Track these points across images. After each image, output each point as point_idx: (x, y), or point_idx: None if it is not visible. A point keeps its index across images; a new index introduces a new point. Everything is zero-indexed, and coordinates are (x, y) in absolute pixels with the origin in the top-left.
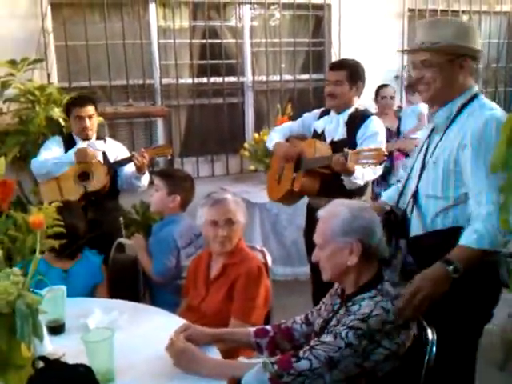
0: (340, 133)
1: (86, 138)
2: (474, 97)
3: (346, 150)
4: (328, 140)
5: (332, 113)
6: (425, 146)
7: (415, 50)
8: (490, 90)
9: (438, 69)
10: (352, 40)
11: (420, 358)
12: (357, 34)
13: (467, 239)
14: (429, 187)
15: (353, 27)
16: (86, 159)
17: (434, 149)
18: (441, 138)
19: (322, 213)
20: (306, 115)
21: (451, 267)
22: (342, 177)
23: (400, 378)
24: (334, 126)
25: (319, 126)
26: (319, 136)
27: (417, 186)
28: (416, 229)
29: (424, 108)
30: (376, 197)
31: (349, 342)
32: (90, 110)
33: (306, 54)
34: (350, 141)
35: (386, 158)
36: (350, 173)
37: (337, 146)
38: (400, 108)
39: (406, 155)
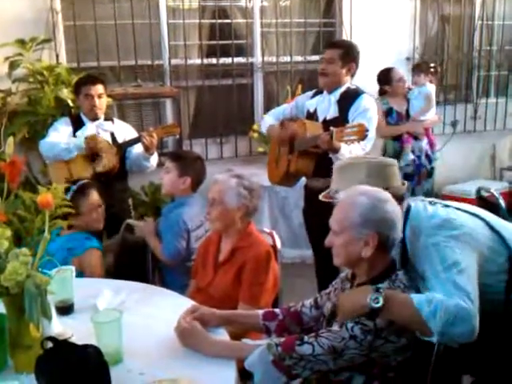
0: (332, 111)
1: (95, 118)
2: (407, 214)
3: (331, 128)
4: (320, 119)
5: (324, 92)
6: None
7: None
8: (503, 72)
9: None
10: (363, 20)
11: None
12: (368, 14)
13: (417, 295)
14: None
15: (364, 7)
16: (96, 146)
17: None
18: None
19: (341, 198)
20: (300, 97)
21: (372, 296)
22: (330, 155)
23: (414, 366)
24: (326, 105)
25: (311, 105)
26: (312, 115)
27: None
28: None
29: (431, 88)
30: None
31: (353, 335)
32: (100, 88)
33: (317, 35)
34: (342, 118)
35: (367, 133)
36: (336, 150)
37: (329, 125)
38: (409, 89)
39: (415, 138)
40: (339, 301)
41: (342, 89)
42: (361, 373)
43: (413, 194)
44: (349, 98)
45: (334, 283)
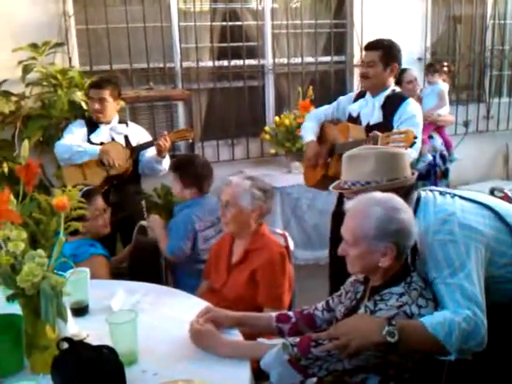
0: (376, 116)
1: (98, 121)
2: (416, 205)
3: (376, 132)
4: (364, 124)
5: (367, 95)
6: None
7: (343, 190)
8: None
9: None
10: (374, 21)
11: None
12: (379, 15)
13: (428, 318)
14: None
15: (375, 8)
16: (109, 161)
17: None
18: None
19: (351, 207)
20: (341, 98)
21: (388, 328)
22: None
23: (430, 366)
24: (370, 110)
25: (354, 109)
26: (355, 120)
27: None
28: None
29: (444, 86)
30: None
31: None
32: (104, 93)
33: (328, 36)
34: (387, 124)
35: (415, 140)
36: None
37: (373, 130)
38: (421, 90)
39: (430, 137)
40: (345, 331)
41: (387, 92)
42: (376, 373)
43: None
44: (394, 103)
45: (344, 286)
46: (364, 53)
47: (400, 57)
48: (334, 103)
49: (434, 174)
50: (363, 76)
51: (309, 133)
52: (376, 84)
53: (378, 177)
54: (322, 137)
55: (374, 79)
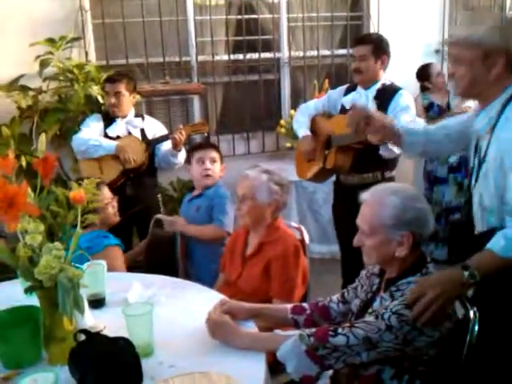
0: (370, 108)
1: (114, 115)
2: None
3: None
4: None
5: (359, 88)
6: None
7: (450, 44)
8: None
9: (467, 66)
10: (391, 13)
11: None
12: (396, 6)
13: (494, 244)
14: (484, 199)
15: (392, 0)
16: (125, 157)
17: (484, 157)
18: (487, 146)
19: (367, 197)
20: (331, 92)
21: (467, 273)
22: (381, 149)
23: (446, 360)
24: (364, 102)
25: (347, 101)
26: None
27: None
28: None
29: None
30: (428, 175)
31: (390, 325)
32: (119, 87)
33: (344, 29)
34: None
35: None
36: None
37: None
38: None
39: None
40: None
41: (378, 85)
42: (391, 366)
43: (461, 188)
44: (386, 95)
45: (359, 278)
46: (354, 48)
47: (389, 49)
48: (324, 97)
49: (465, 166)
50: (356, 70)
51: (303, 127)
52: (368, 77)
53: (492, 35)
54: (314, 130)
55: (367, 72)
